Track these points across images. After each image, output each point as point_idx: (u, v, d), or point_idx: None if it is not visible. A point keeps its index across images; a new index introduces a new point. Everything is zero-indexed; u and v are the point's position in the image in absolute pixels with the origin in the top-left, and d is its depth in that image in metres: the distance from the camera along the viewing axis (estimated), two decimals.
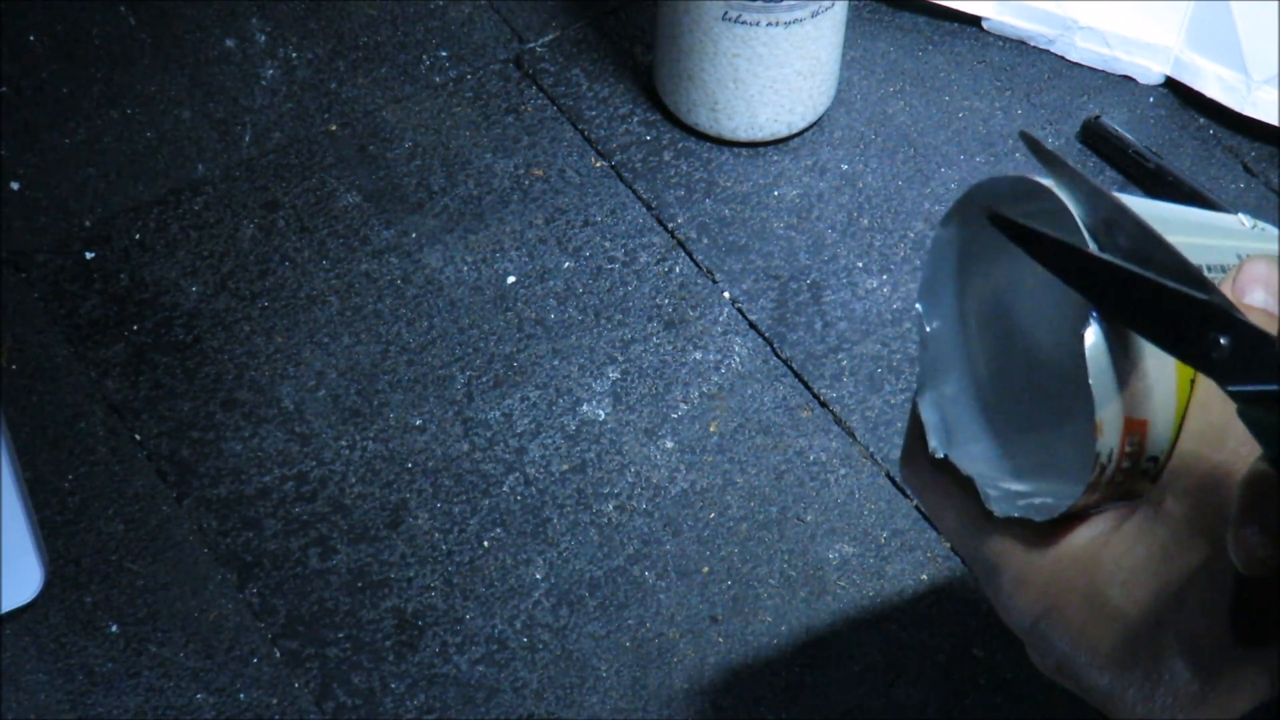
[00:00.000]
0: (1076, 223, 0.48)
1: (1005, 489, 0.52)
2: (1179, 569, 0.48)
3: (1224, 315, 0.45)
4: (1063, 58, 0.91)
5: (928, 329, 0.54)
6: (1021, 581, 0.51)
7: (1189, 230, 0.52)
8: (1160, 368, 0.48)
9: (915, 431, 0.55)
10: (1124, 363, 0.48)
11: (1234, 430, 0.47)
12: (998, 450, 0.54)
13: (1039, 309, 0.53)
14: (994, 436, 0.54)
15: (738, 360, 0.79)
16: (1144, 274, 0.46)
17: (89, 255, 0.81)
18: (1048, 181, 0.50)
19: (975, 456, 0.54)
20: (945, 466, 0.54)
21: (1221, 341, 0.45)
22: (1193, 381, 0.49)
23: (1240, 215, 0.55)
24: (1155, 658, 0.48)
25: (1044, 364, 0.53)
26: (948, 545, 0.74)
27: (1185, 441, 0.49)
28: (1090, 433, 0.48)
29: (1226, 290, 0.49)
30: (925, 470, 0.55)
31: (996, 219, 0.49)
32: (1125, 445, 0.48)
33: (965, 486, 0.53)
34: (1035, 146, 0.50)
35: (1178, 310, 0.45)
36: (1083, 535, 0.50)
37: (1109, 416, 0.48)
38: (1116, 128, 0.87)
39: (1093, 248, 0.48)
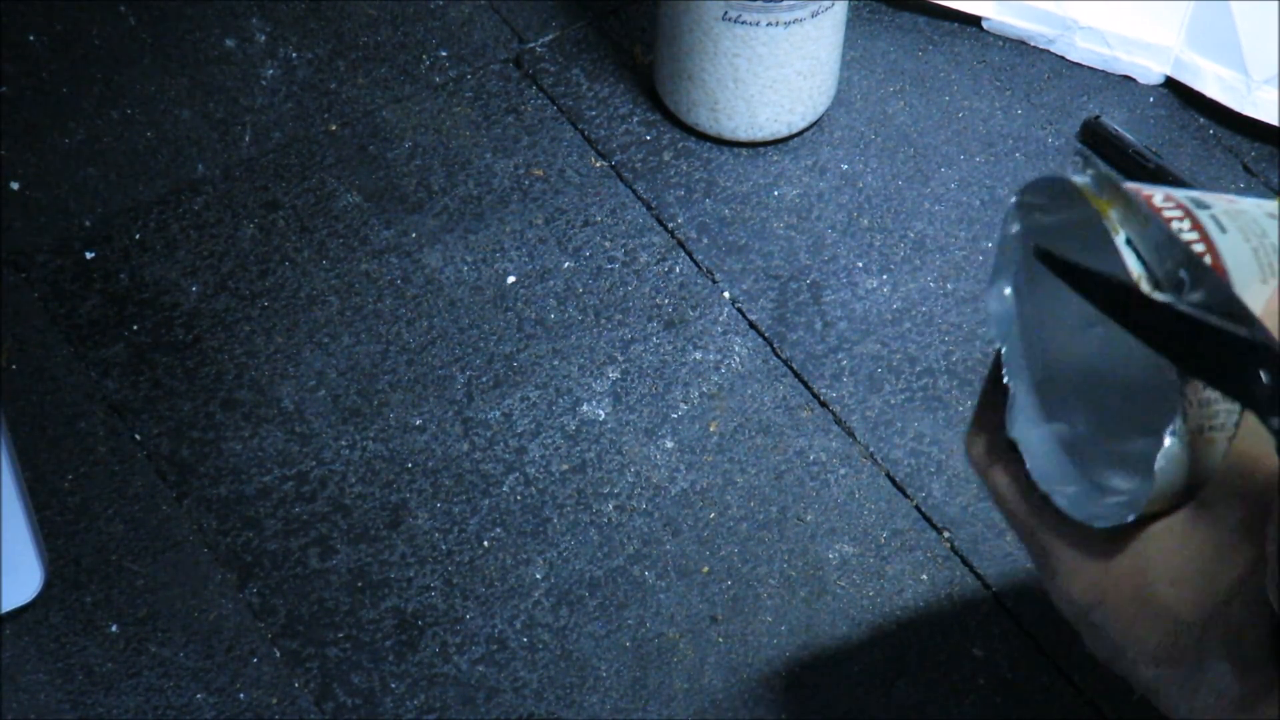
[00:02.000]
0: (1119, 248, 0.48)
1: (1069, 490, 0.52)
2: (1227, 571, 0.48)
3: (1265, 351, 0.45)
4: (1063, 58, 0.91)
5: (999, 316, 0.54)
6: (1075, 572, 0.52)
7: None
8: None
9: (987, 407, 0.55)
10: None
11: None
12: (1063, 447, 0.54)
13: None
14: (1059, 434, 0.54)
15: (738, 360, 0.79)
16: (1188, 312, 0.46)
17: (89, 255, 0.81)
18: (1084, 181, 0.50)
19: (1038, 450, 0.54)
20: (1011, 447, 0.54)
21: (1263, 377, 0.45)
22: None
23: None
24: (1199, 657, 0.48)
25: (1119, 365, 0.53)
26: (948, 545, 0.74)
27: (1241, 444, 0.49)
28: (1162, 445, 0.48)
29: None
30: (994, 448, 0.54)
31: (1044, 256, 0.49)
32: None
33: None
34: (1088, 164, 0.50)
35: (1220, 346, 0.46)
36: (1135, 528, 0.50)
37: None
38: (1116, 128, 0.87)
39: (1137, 276, 0.48)
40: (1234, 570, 0.48)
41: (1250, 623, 0.47)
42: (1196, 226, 0.49)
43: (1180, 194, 0.51)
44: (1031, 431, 0.54)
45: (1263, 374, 0.45)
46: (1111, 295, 0.48)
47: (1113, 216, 0.49)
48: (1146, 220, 0.48)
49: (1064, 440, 0.54)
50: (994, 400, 0.55)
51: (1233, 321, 0.46)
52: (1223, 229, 0.49)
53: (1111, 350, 0.54)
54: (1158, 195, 0.51)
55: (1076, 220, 0.51)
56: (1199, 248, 0.49)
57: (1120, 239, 0.48)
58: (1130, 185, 0.50)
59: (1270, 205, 0.53)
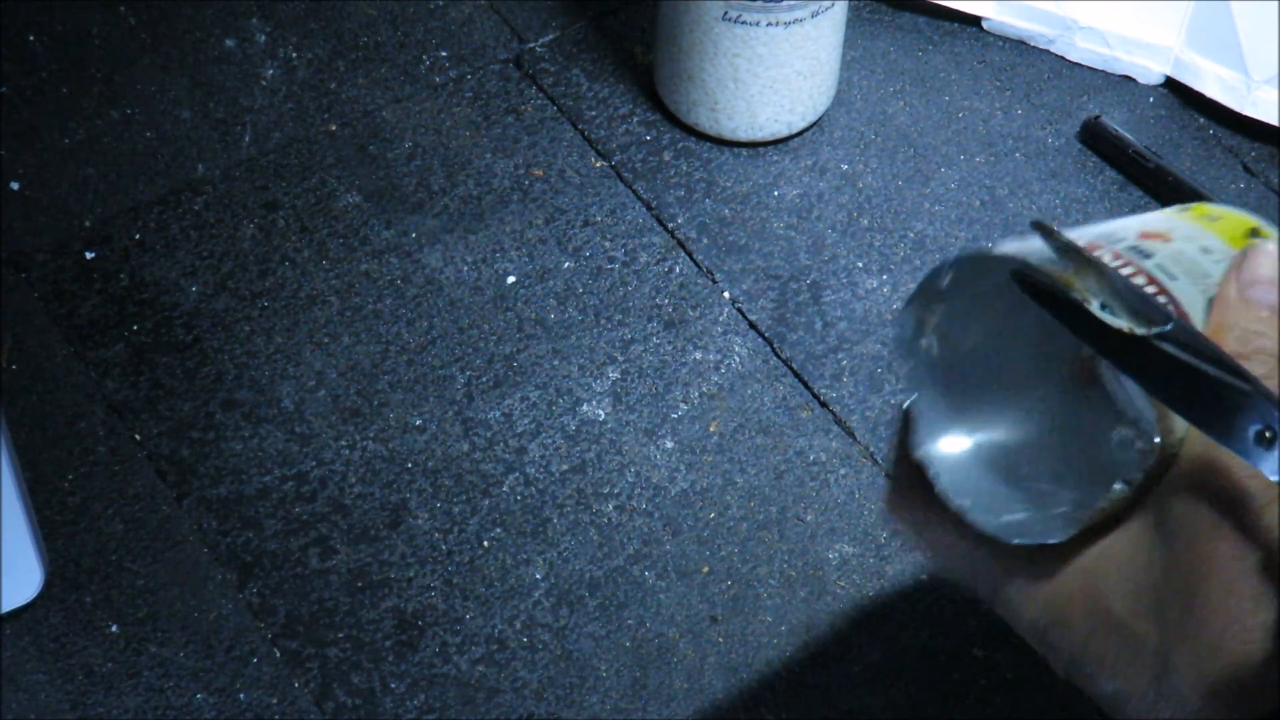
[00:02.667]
0: (1097, 314, 0.49)
1: (1000, 519, 0.52)
2: (1180, 580, 0.48)
3: (1265, 405, 0.45)
4: (1063, 58, 0.91)
5: (909, 392, 0.54)
6: (1025, 596, 0.51)
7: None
8: None
9: (902, 470, 0.54)
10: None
11: None
12: (984, 463, 0.54)
13: (1029, 347, 0.53)
14: (984, 467, 0.54)
15: (738, 360, 0.79)
16: (1191, 363, 0.46)
17: (89, 255, 0.81)
18: (1009, 249, 0.50)
19: (950, 466, 0.54)
20: (935, 499, 0.54)
21: (1266, 433, 0.45)
22: None
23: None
24: (1159, 670, 0.48)
25: (1043, 391, 0.53)
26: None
27: (1189, 446, 0.49)
28: (1142, 438, 0.49)
29: (1230, 286, 0.49)
30: (918, 503, 0.54)
31: (1022, 281, 0.49)
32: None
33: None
34: (1049, 235, 0.50)
35: (1217, 396, 0.46)
36: (1086, 543, 0.50)
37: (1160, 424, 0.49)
38: (1116, 128, 0.87)
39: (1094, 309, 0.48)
40: (1186, 578, 0.48)
41: (1206, 634, 0.47)
42: (1151, 281, 0.50)
43: (1118, 245, 0.51)
44: (942, 449, 0.54)
45: (1265, 429, 0.45)
46: (1110, 337, 0.48)
47: (1080, 286, 0.49)
48: (1115, 284, 0.49)
49: (984, 456, 0.54)
50: (909, 462, 0.54)
51: (1224, 372, 0.46)
52: (1172, 276, 0.50)
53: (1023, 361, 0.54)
54: (1105, 254, 0.51)
55: (986, 293, 0.52)
56: (1162, 299, 0.49)
57: (1095, 306, 0.48)
58: (1082, 245, 0.50)
59: (1189, 229, 0.53)
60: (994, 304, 0.53)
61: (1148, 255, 0.51)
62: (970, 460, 0.54)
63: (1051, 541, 0.50)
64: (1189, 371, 0.46)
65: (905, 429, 0.54)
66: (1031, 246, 0.50)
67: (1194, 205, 0.55)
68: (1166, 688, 0.48)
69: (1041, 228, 0.50)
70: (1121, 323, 0.47)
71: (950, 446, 0.54)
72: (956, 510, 0.52)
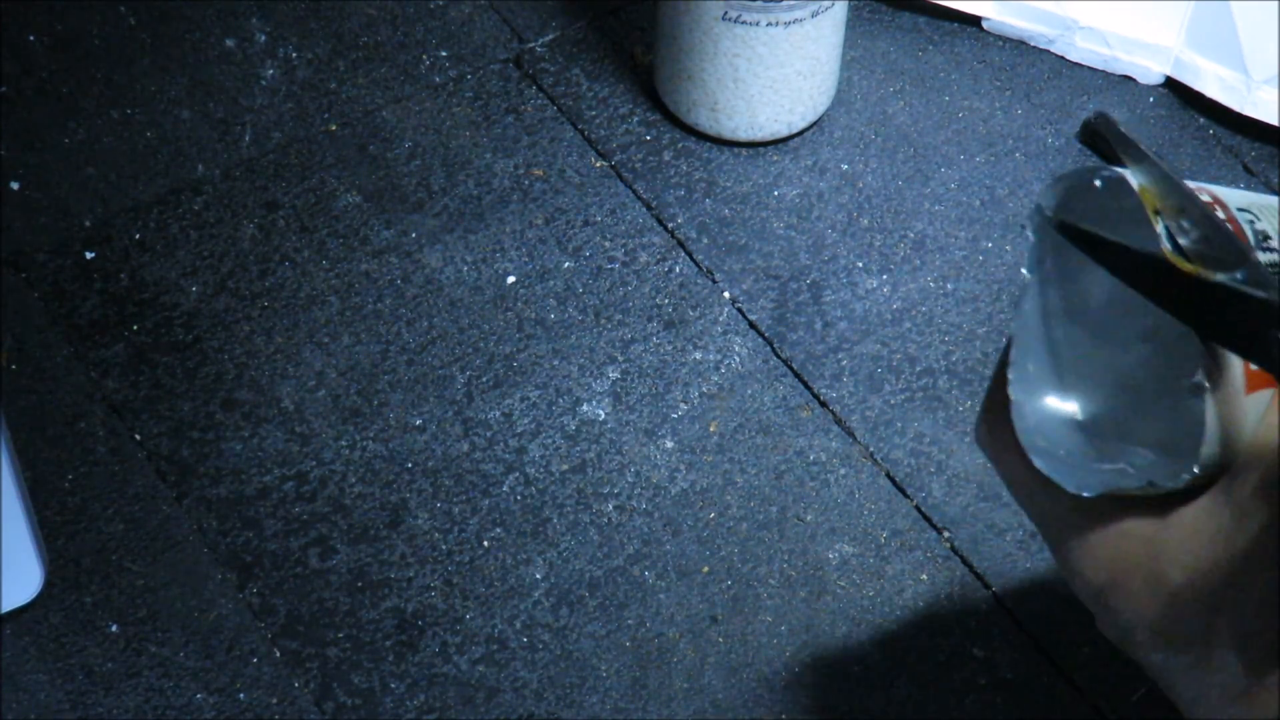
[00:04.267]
0: (1146, 214, 0.49)
1: (1089, 466, 0.52)
2: (1240, 558, 0.48)
3: None
4: (1063, 58, 0.91)
5: (1024, 303, 0.54)
6: (1088, 552, 0.51)
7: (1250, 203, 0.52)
8: None
9: (998, 391, 0.55)
10: None
11: None
12: (1079, 429, 0.54)
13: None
14: (1070, 426, 0.54)
15: (738, 360, 0.79)
16: (1213, 279, 0.46)
17: (89, 255, 0.81)
18: (1121, 170, 0.50)
19: (1052, 433, 0.54)
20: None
21: None
22: None
23: None
24: (1208, 645, 0.48)
25: (1141, 342, 0.53)
26: (948, 545, 0.74)
27: (1262, 425, 0.49)
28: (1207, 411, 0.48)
29: None
30: (1003, 432, 0.54)
31: (1064, 227, 0.49)
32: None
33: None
34: (1109, 129, 0.50)
35: (1244, 311, 0.46)
36: (1151, 511, 0.50)
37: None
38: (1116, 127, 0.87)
39: (1164, 244, 0.48)
40: (1246, 557, 0.48)
41: (1260, 616, 0.47)
42: (1230, 219, 0.50)
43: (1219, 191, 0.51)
44: (1033, 399, 0.54)
45: None
46: (1135, 265, 0.48)
47: (1163, 205, 0.49)
48: (1144, 160, 0.49)
49: (1073, 416, 0.54)
50: (1005, 381, 0.54)
51: (1251, 283, 0.46)
52: (1256, 219, 0.50)
53: (1129, 344, 0.54)
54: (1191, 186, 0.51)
55: (1113, 208, 0.51)
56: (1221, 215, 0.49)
57: (1154, 217, 0.49)
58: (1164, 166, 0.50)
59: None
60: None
61: (1244, 210, 0.51)
62: (1057, 417, 0.54)
63: (1124, 490, 0.50)
64: (1223, 294, 0.46)
65: (1007, 351, 0.54)
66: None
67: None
68: (1218, 661, 0.48)
69: (1101, 117, 0.49)
70: (1167, 244, 0.47)
71: (1041, 399, 0.54)
72: (1040, 469, 0.52)
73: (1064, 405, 0.54)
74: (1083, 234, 0.49)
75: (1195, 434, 0.49)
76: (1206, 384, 0.48)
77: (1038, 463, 0.52)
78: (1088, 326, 0.55)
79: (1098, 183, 0.49)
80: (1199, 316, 0.47)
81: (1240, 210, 0.50)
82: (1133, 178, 0.49)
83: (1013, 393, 0.53)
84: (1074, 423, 0.54)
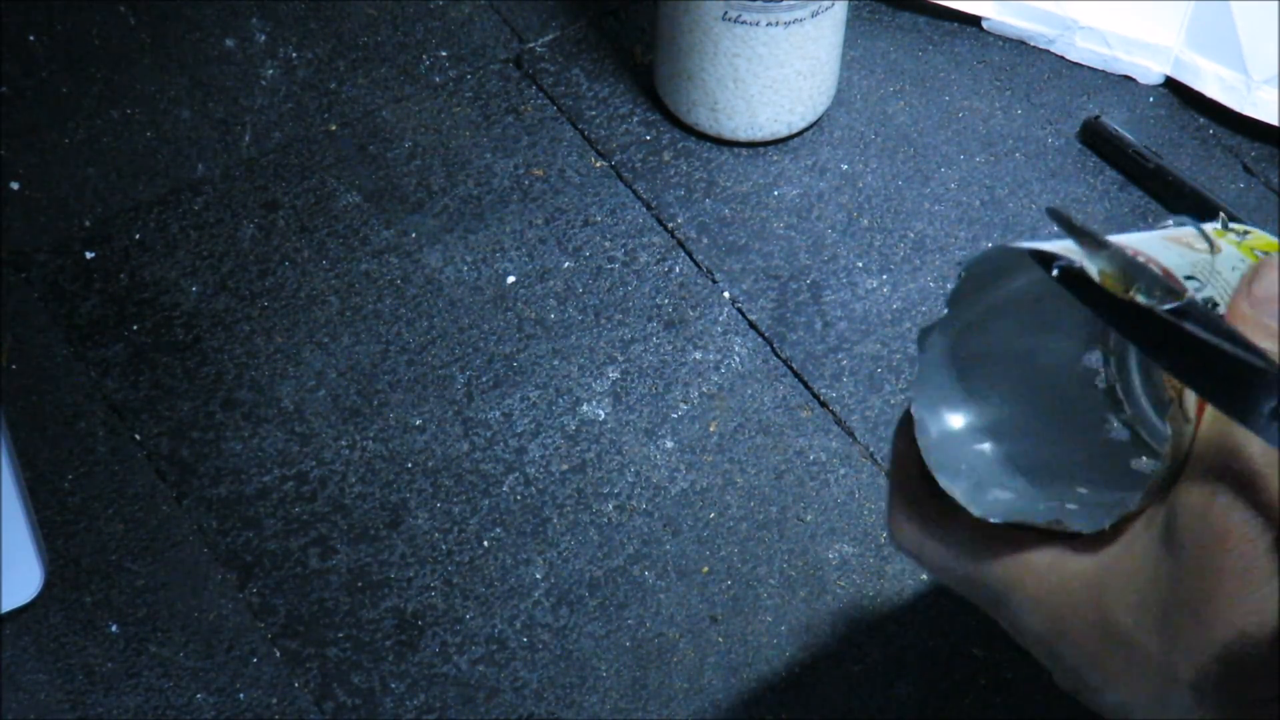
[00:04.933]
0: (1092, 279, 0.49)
1: (987, 496, 0.52)
2: (1188, 591, 0.48)
3: (1276, 381, 0.45)
4: (1063, 58, 0.91)
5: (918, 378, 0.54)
6: (1033, 604, 0.51)
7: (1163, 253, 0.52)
8: None
9: (902, 477, 0.54)
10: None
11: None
12: (1008, 477, 0.54)
13: (1049, 341, 0.53)
14: (1000, 464, 0.54)
15: (738, 360, 0.79)
16: (1207, 339, 0.46)
17: (89, 255, 0.81)
18: (1029, 245, 0.50)
19: (954, 450, 0.54)
20: (935, 503, 0.54)
21: (1270, 404, 0.45)
22: None
23: (1189, 228, 0.55)
24: (1165, 685, 0.48)
25: (1066, 392, 0.53)
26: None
27: (1203, 436, 0.49)
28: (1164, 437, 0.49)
29: (1241, 302, 0.49)
30: (921, 508, 0.54)
31: (1065, 276, 0.49)
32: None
33: (963, 518, 0.53)
34: (1063, 222, 0.50)
35: (1234, 373, 0.46)
36: (1091, 554, 0.50)
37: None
38: (1116, 128, 0.87)
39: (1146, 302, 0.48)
40: (1194, 589, 0.47)
41: (1213, 650, 0.47)
42: (1168, 274, 0.50)
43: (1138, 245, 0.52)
44: (940, 425, 0.54)
45: (1268, 404, 0.45)
46: (1131, 317, 0.48)
47: (1105, 268, 0.49)
48: (1133, 263, 0.49)
49: (982, 441, 0.54)
50: (907, 473, 0.54)
51: (1241, 349, 0.46)
52: (1189, 277, 0.50)
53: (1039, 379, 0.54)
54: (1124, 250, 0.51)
55: (1016, 296, 0.52)
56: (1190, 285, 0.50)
57: (1115, 285, 0.49)
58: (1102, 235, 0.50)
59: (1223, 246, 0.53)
60: (1010, 307, 0.53)
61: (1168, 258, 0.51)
62: (965, 438, 0.54)
63: (1036, 523, 0.50)
64: (1206, 349, 0.46)
65: (906, 425, 0.54)
66: (1057, 245, 0.50)
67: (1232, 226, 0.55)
68: (1171, 699, 0.48)
69: (1056, 213, 0.50)
70: (1140, 299, 0.48)
71: (947, 424, 0.54)
72: (944, 489, 0.52)
73: (965, 420, 0.54)
74: (1083, 282, 0.49)
75: (1118, 479, 0.49)
76: (1149, 471, 0.49)
77: (940, 480, 0.52)
78: (988, 369, 0.55)
79: (1055, 273, 0.49)
80: (1191, 373, 0.47)
81: (1188, 279, 0.50)
82: (1091, 264, 0.49)
83: (915, 411, 0.53)
84: (995, 452, 0.54)
